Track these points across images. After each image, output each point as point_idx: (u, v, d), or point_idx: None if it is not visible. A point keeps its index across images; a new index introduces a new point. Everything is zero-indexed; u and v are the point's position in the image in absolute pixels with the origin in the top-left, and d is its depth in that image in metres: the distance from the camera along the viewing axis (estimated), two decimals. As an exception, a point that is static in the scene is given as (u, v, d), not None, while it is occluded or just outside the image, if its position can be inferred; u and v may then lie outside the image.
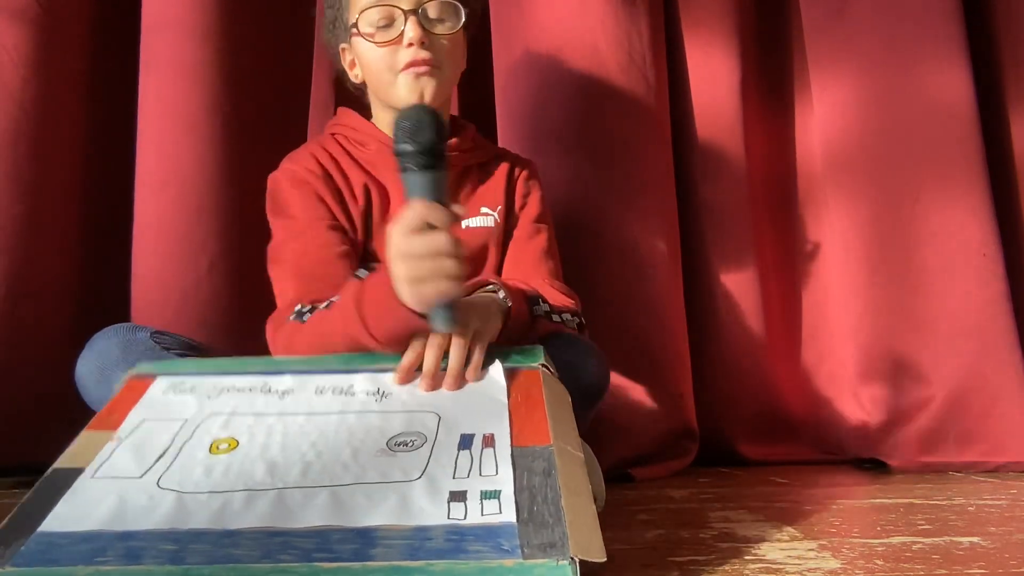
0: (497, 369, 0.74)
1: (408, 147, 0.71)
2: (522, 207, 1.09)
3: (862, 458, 1.47)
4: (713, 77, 1.55)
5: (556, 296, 0.98)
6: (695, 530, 0.83)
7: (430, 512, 0.54)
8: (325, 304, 0.86)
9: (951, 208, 1.43)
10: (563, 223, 1.37)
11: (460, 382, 0.73)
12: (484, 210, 1.05)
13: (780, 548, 0.72)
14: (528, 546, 0.51)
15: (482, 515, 0.54)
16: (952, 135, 1.44)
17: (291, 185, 0.98)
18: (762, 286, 1.56)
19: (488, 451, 0.61)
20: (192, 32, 1.34)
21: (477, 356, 0.75)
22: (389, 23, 0.97)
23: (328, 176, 0.99)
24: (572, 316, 0.97)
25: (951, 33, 1.47)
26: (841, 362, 1.55)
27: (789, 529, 0.82)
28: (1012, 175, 1.55)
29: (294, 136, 1.47)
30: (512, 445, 0.62)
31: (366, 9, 0.97)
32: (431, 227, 0.71)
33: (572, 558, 0.50)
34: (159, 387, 0.72)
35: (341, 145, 1.05)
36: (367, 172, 1.02)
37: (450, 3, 0.99)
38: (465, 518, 0.54)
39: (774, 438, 1.56)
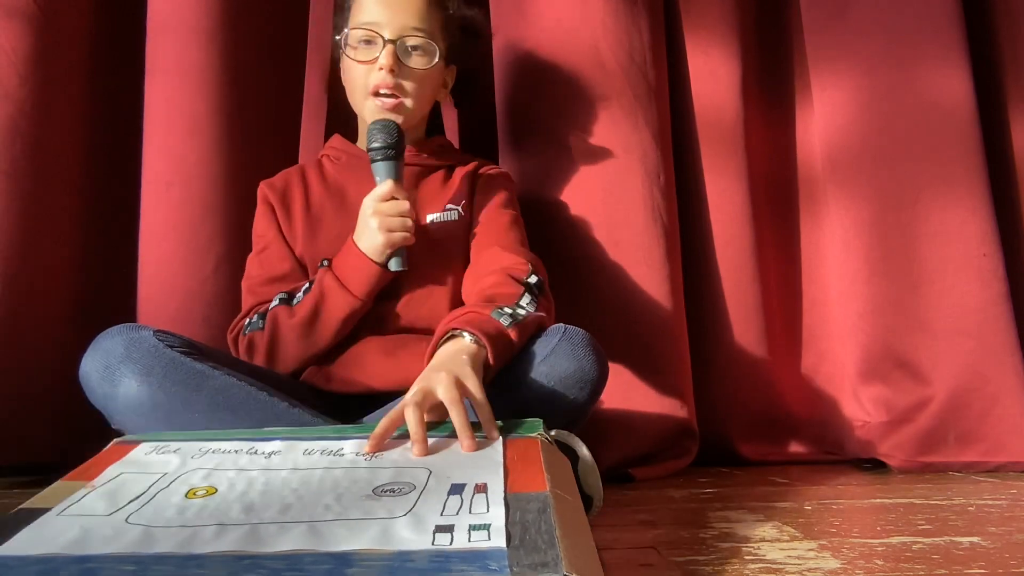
0: None
1: (377, 144, 1.03)
2: (486, 202, 1.17)
3: (862, 458, 1.47)
4: (713, 77, 1.55)
5: (505, 280, 0.98)
6: (695, 530, 0.83)
7: (414, 540, 0.52)
8: (275, 303, 1.07)
9: (951, 208, 1.43)
10: (562, 223, 1.38)
11: (471, 440, 0.70)
12: (448, 206, 1.15)
13: (780, 548, 0.72)
14: (518, 565, 0.47)
15: (469, 542, 0.51)
16: (952, 135, 1.44)
17: (259, 201, 1.17)
18: (762, 286, 1.56)
19: (480, 496, 0.59)
20: (196, 33, 1.34)
21: (486, 412, 0.75)
22: (370, 42, 1.10)
23: (287, 190, 1.16)
24: (531, 296, 0.96)
25: (951, 33, 1.47)
26: (841, 362, 1.55)
27: (789, 529, 0.83)
28: (1012, 175, 1.55)
29: (296, 138, 1.48)
30: (506, 492, 0.59)
31: (356, 28, 1.11)
32: (396, 198, 1.02)
33: (566, 575, 0.47)
34: (142, 450, 0.71)
35: (322, 164, 1.20)
36: (331, 181, 1.17)
37: (428, 40, 1.11)
38: (451, 545, 0.51)
39: (774, 438, 1.56)
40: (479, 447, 0.70)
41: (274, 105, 1.44)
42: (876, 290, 1.47)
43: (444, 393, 0.75)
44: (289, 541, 0.52)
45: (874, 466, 1.44)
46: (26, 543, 0.52)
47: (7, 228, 1.31)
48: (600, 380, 0.92)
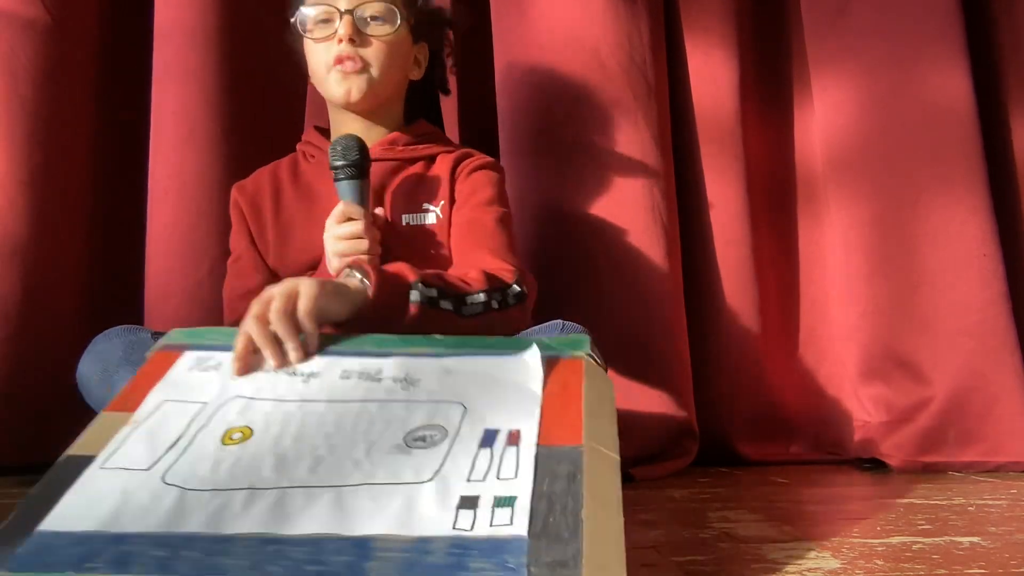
0: (534, 355, 0.68)
1: (339, 162, 0.97)
2: (469, 197, 1.07)
3: (862, 458, 1.47)
4: (713, 77, 1.55)
5: (473, 277, 0.91)
6: (695, 530, 0.83)
7: (435, 520, 0.52)
8: None
9: (951, 208, 1.43)
10: (562, 224, 1.38)
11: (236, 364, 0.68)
12: (425, 206, 1.07)
13: (780, 548, 0.72)
14: (536, 564, 0.47)
15: (491, 525, 0.51)
16: (952, 135, 1.44)
17: (231, 209, 1.13)
18: (762, 286, 1.56)
19: (511, 450, 0.58)
20: (194, 38, 1.35)
21: (307, 327, 0.70)
22: (327, 20, 1.05)
23: (257, 195, 1.11)
24: (486, 296, 0.90)
25: (951, 33, 1.47)
26: (841, 362, 1.55)
27: (789, 529, 0.83)
28: (1012, 175, 1.55)
29: (293, 141, 1.48)
30: (538, 444, 0.58)
31: (308, 6, 1.05)
32: (352, 219, 0.96)
33: None
34: (184, 363, 0.70)
35: (296, 161, 1.15)
36: (303, 184, 1.11)
37: (387, 6, 1.04)
38: (472, 528, 0.51)
39: (774, 438, 1.56)
40: (517, 372, 0.67)
41: (271, 110, 1.45)
42: (876, 290, 1.47)
43: (274, 304, 0.70)
44: (314, 519, 0.52)
45: (874, 466, 1.44)
46: (71, 512, 0.54)
47: (26, 235, 1.33)
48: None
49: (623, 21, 1.40)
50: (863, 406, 1.49)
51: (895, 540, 0.76)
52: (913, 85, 1.46)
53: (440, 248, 1.06)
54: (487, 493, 0.54)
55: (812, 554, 0.69)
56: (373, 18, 1.04)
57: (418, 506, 0.53)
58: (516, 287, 0.94)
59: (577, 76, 1.38)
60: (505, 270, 0.95)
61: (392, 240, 1.02)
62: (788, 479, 1.30)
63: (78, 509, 0.54)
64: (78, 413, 0.95)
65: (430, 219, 1.06)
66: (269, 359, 0.69)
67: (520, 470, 0.56)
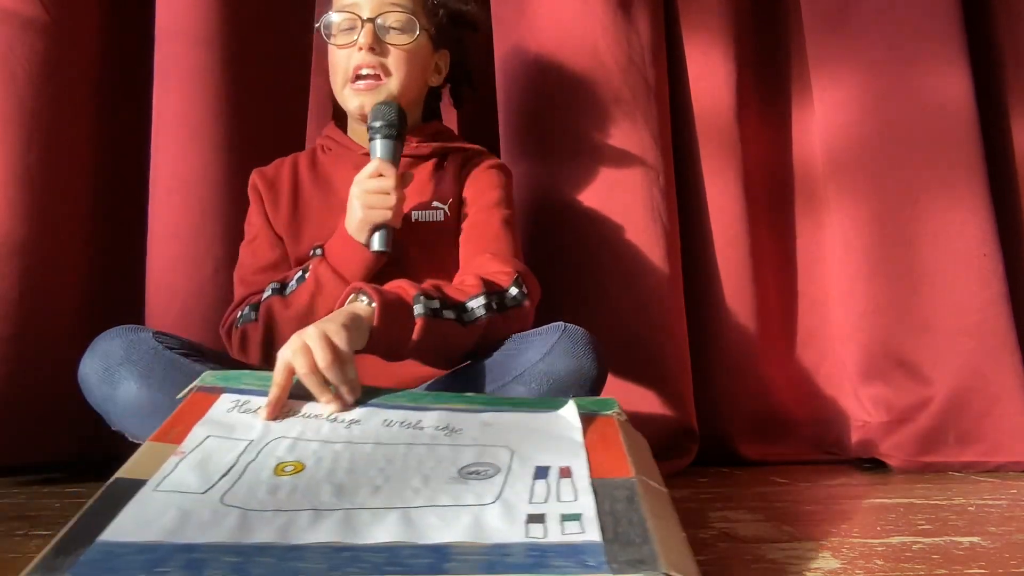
0: (571, 410, 0.71)
1: (377, 123, 1.02)
2: (476, 199, 1.11)
3: (862, 458, 1.47)
4: (713, 77, 1.55)
5: (469, 284, 0.94)
6: (695, 530, 0.83)
7: (507, 531, 0.51)
8: (268, 293, 1.03)
9: (951, 208, 1.43)
10: (561, 223, 1.38)
11: (334, 398, 0.71)
12: (435, 204, 1.11)
13: (780, 548, 0.72)
14: (616, 562, 0.47)
15: (563, 534, 0.51)
16: (952, 135, 1.45)
17: (249, 191, 1.15)
18: (762, 286, 1.56)
19: (566, 481, 0.58)
20: (197, 39, 1.35)
21: (349, 374, 0.73)
22: (350, 28, 1.09)
23: (276, 180, 1.14)
24: (485, 300, 0.92)
25: (951, 33, 1.47)
26: (841, 362, 1.55)
27: (789, 529, 0.83)
28: (1012, 175, 1.55)
29: (295, 141, 1.48)
30: (591, 477, 0.59)
31: (333, 13, 1.10)
32: (383, 175, 0.99)
33: (666, 574, 0.46)
34: (223, 405, 0.70)
35: (315, 153, 1.18)
36: (321, 173, 1.14)
37: (408, 16, 1.08)
38: (545, 537, 0.50)
39: (774, 438, 1.56)
40: (555, 424, 0.69)
41: (274, 110, 1.45)
42: (876, 290, 1.47)
43: (318, 355, 0.72)
44: (384, 531, 0.52)
45: (874, 466, 1.44)
46: (130, 525, 0.52)
47: (24, 234, 1.33)
48: (599, 379, 0.92)
49: (621, 21, 1.40)
50: (863, 406, 1.49)
51: (895, 540, 0.76)
52: (913, 84, 1.46)
53: (447, 244, 1.10)
54: (552, 511, 0.54)
55: (812, 554, 0.69)
56: (393, 26, 1.08)
57: (487, 522, 0.53)
58: (513, 289, 0.96)
59: (576, 74, 1.38)
60: (504, 273, 0.98)
61: (401, 234, 1.04)
62: (788, 479, 1.30)
63: (138, 522, 0.53)
64: (78, 413, 0.95)
65: (437, 217, 1.10)
66: (326, 406, 0.71)
67: (579, 495, 0.56)
